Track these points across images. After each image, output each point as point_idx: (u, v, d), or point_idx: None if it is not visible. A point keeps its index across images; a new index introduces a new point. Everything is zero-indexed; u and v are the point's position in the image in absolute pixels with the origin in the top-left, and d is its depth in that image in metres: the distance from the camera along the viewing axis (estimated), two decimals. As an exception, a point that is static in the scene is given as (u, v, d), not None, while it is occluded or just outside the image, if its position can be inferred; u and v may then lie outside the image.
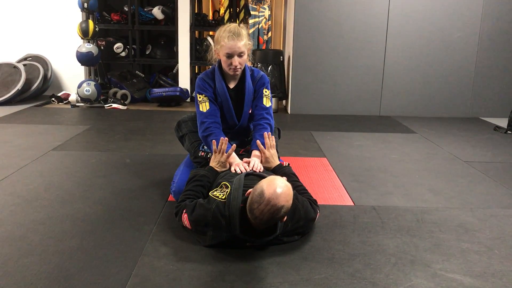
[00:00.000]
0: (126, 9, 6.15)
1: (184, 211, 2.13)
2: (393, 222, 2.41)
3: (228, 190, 2.08)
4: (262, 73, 2.65)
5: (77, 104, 5.53)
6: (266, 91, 2.61)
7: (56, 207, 2.49)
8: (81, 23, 5.53)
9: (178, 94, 5.68)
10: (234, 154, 2.45)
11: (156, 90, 5.76)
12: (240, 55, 2.42)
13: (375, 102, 5.49)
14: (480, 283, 1.83)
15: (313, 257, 1.99)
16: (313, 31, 5.33)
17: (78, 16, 5.89)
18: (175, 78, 6.25)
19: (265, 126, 2.55)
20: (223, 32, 2.42)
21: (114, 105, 5.52)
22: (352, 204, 2.66)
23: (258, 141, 2.48)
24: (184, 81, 6.09)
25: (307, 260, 1.97)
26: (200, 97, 2.55)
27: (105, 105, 5.51)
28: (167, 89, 5.75)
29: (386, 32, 5.32)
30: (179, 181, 2.56)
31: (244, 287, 1.75)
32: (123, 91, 5.79)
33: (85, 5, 5.49)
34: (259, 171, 2.32)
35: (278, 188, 1.87)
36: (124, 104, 5.59)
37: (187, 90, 5.92)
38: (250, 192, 1.95)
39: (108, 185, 2.86)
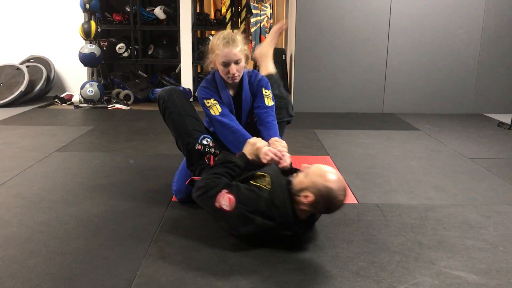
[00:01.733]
0: (128, 9, 6.15)
1: (226, 191, 2.01)
2: (397, 219, 2.41)
3: (268, 179, 2.06)
4: (260, 76, 2.56)
5: (80, 105, 5.54)
6: (265, 91, 2.51)
7: (61, 208, 2.50)
8: (83, 24, 5.54)
9: (180, 93, 5.67)
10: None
11: (159, 90, 5.76)
12: (237, 62, 2.34)
13: (378, 100, 5.48)
14: (485, 280, 1.83)
15: (317, 256, 1.99)
16: (315, 29, 5.32)
17: (80, 17, 5.90)
18: (177, 77, 6.26)
19: (274, 124, 2.46)
20: (217, 40, 2.35)
21: (117, 106, 5.53)
22: (356, 202, 2.66)
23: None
24: (186, 81, 6.10)
25: (312, 258, 1.97)
26: (208, 102, 2.42)
27: (108, 106, 5.53)
28: (169, 89, 5.74)
29: (388, 29, 5.31)
30: (179, 180, 2.55)
31: (249, 287, 1.75)
32: (126, 91, 5.80)
33: (87, 6, 5.50)
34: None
35: (330, 174, 1.95)
36: (127, 105, 5.60)
37: (189, 89, 5.93)
38: (311, 200, 1.93)
39: (112, 185, 2.87)
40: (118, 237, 2.17)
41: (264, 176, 2.09)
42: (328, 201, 1.93)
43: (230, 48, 2.30)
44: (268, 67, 2.98)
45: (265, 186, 2.05)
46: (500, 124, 4.78)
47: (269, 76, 2.80)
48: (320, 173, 1.96)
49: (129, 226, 2.29)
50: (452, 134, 4.38)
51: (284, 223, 2.00)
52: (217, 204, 2.00)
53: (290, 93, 5.60)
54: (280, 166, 2.20)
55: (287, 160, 2.23)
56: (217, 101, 2.42)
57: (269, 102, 2.50)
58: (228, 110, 2.45)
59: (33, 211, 2.45)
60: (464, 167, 3.36)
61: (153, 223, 2.31)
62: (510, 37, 5.32)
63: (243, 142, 2.32)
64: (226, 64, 2.34)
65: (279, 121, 2.55)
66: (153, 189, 2.81)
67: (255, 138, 2.31)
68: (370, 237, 2.19)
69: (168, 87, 2.51)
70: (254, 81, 2.52)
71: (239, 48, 2.33)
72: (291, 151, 3.68)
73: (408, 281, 1.81)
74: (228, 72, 2.35)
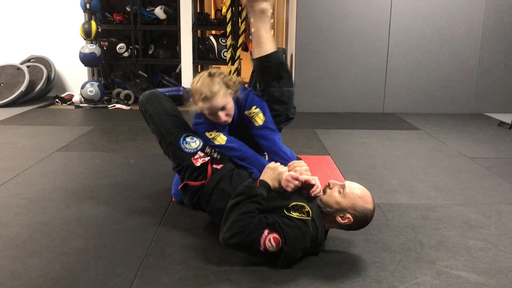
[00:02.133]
0: (128, 9, 6.14)
1: (268, 231, 1.84)
2: (397, 219, 2.41)
3: (308, 209, 1.92)
4: (242, 97, 2.28)
5: (81, 104, 5.54)
6: (250, 112, 2.26)
7: (61, 208, 2.50)
8: (83, 24, 5.54)
9: (181, 93, 5.68)
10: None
11: (159, 90, 5.74)
12: (223, 108, 2.15)
13: (378, 99, 5.48)
14: (485, 279, 1.83)
15: (318, 256, 1.99)
16: (315, 29, 5.32)
17: (80, 17, 5.89)
18: (178, 77, 6.25)
19: (277, 143, 2.26)
20: (195, 92, 2.18)
21: (118, 106, 5.53)
22: (357, 202, 2.65)
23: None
24: (187, 81, 6.09)
25: (312, 258, 1.97)
26: (211, 134, 2.25)
27: (108, 106, 5.53)
28: (170, 88, 5.76)
29: (389, 28, 5.30)
30: (177, 183, 2.54)
31: (249, 286, 1.75)
32: (126, 91, 5.80)
33: (87, 6, 5.50)
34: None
35: (367, 195, 1.98)
36: (127, 104, 5.60)
37: (190, 89, 5.91)
38: (350, 222, 1.93)
39: (112, 185, 2.87)
40: (118, 237, 2.17)
41: (302, 206, 1.93)
42: (364, 221, 1.97)
43: (210, 102, 2.13)
44: (265, 39, 2.31)
45: (305, 217, 1.90)
46: (501, 123, 4.78)
47: (268, 64, 2.31)
48: (360, 195, 1.96)
49: (130, 226, 2.29)
50: (453, 134, 4.38)
51: (320, 249, 1.99)
52: (262, 248, 1.84)
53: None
54: (313, 194, 2.00)
55: (319, 186, 2.02)
56: (220, 132, 2.26)
57: (258, 120, 2.26)
58: (232, 137, 2.29)
59: (34, 211, 2.45)
60: (465, 166, 3.36)
61: (153, 223, 2.31)
62: (510, 36, 5.31)
63: (260, 166, 2.15)
64: (213, 114, 2.18)
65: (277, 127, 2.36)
66: (153, 189, 2.81)
67: (273, 162, 2.10)
68: (371, 237, 2.19)
69: (147, 91, 2.42)
70: (239, 102, 2.30)
71: (221, 95, 2.13)
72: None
73: (409, 281, 1.81)
74: (217, 119, 2.19)
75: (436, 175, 3.15)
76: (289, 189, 1.99)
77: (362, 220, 1.96)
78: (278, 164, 2.08)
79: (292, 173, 2.02)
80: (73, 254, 1.99)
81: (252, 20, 2.36)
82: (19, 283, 1.76)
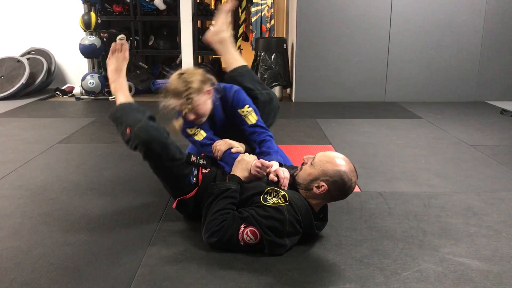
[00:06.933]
0: (127, 0, 6.12)
1: (244, 225, 1.87)
2: (400, 207, 2.41)
3: (284, 193, 1.93)
4: (230, 95, 2.32)
5: (82, 96, 5.54)
6: (242, 111, 2.29)
7: (64, 200, 2.50)
8: (83, 15, 5.52)
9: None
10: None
11: (160, 81, 5.75)
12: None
13: (380, 88, 5.46)
14: (488, 266, 1.83)
15: (320, 244, 2.00)
16: (316, 18, 5.29)
17: (80, 8, 5.87)
18: (178, 68, 6.23)
19: (268, 143, 2.28)
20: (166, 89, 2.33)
21: (119, 97, 5.52)
22: (359, 190, 2.65)
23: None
24: (187, 72, 6.07)
25: (315, 246, 1.98)
26: (191, 130, 2.30)
27: (109, 97, 5.52)
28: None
29: (390, 17, 5.27)
30: None
31: (252, 275, 1.75)
32: (127, 82, 5.78)
33: (87, -3, 5.48)
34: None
35: (337, 158, 1.95)
36: (128, 96, 5.59)
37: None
38: (325, 189, 1.90)
39: (114, 176, 2.88)
40: (121, 227, 2.17)
41: (278, 191, 1.95)
42: (342, 186, 1.91)
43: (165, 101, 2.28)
44: (232, 58, 2.57)
45: (281, 202, 1.90)
46: (503, 111, 4.76)
47: (239, 73, 2.49)
48: (327, 159, 1.94)
49: (132, 216, 2.29)
50: (455, 122, 4.37)
51: (314, 232, 1.97)
52: (242, 243, 1.87)
53: (292, 83, 5.58)
54: (283, 186, 2.01)
55: (286, 177, 2.03)
56: (200, 128, 2.31)
57: (251, 119, 2.29)
58: (212, 133, 2.35)
59: (36, 203, 2.45)
60: (467, 154, 3.35)
61: (156, 213, 2.32)
62: (512, 23, 5.29)
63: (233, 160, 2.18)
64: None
65: (267, 125, 2.39)
66: (155, 179, 2.79)
67: (241, 155, 2.14)
68: (373, 225, 2.19)
69: (139, 129, 2.30)
70: (226, 101, 2.33)
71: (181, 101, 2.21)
72: (293, 141, 3.71)
73: (411, 268, 1.82)
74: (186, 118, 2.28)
75: (438, 163, 3.15)
76: (260, 175, 2.05)
77: (339, 184, 1.90)
78: (245, 154, 2.14)
79: (263, 161, 2.07)
80: (76, 245, 1.99)
81: (219, 50, 2.60)
82: (23, 273, 1.77)
